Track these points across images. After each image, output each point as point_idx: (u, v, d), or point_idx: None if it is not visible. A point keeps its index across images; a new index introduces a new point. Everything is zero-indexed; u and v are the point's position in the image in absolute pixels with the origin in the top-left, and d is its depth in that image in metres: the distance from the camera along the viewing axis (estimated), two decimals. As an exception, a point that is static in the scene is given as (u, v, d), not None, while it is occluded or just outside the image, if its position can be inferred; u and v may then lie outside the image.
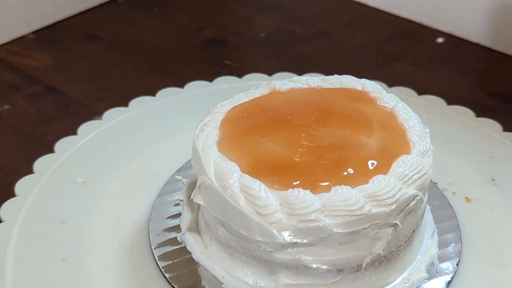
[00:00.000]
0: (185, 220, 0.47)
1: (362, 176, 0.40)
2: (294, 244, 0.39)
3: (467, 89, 0.65)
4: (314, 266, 0.40)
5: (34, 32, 0.78)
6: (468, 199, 0.52)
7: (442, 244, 0.47)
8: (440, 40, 0.77)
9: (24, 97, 0.66)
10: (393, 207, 0.39)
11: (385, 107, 0.46)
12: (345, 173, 0.40)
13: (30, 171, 0.55)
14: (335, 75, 0.50)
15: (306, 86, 0.49)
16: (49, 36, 0.78)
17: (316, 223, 0.38)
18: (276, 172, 0.40)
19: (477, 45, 0.76)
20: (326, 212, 0.38)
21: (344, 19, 0.83)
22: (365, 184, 0.39)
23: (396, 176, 0.40)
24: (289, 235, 0.38)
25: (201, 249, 0.45)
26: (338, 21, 0.82)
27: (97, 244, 0.48)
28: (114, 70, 0.72)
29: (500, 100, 0.62)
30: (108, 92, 0.65)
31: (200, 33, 0.80)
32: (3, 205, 0.51)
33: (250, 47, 0.75)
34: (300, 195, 0.38)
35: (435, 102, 0.63)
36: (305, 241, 0.38)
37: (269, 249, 0.40)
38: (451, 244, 0.47)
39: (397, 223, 0.39)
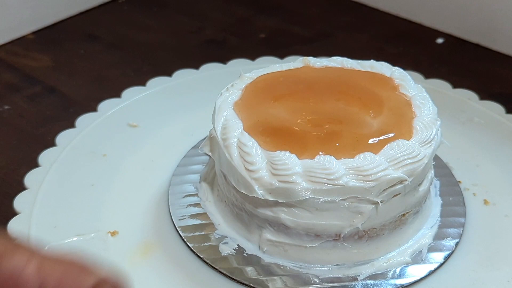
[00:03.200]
0: (204, 172, 0.51)
1: (351, 151, 0.41)
2: (276, 203, 0.41)
3: (467, 90, 0.65)
4: (292, 226, 0.42)
5: (34, 33, 0.78)
6: (486, 202, 0.51)
7: (439, 236, 0.47)
8: (440, 40, 0.77)
9: (24, 97, 0.66)
10: (372, 184, 0.40)
11: (404, 95, 0.47)
12: (337, 145, 0.41)
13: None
14: (372, 60, 0.51)
15: (339, 66, 0.51)
16: (49, 36, 0.78)
17: (293, 185, 0.40)
18: (271, 134, 0.43)
19: (477, 45, 0.76)
20: (305, 177, 0.40)
21: (343, 20, 0.83)
22: (351, 158, 0.41)
23: (386, 157, 0.41)
24: (268, 192, 0.40)
25: (208, 198, 0.48)
26: (337, 22, 0.82)
27: (117, 209, 0.50)
28: (114, 70, 0.72)
29: (500, 100, 0.62)
30: (108, 92, 0.65)
31: (200, 33, 0.80)
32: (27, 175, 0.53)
33: (250, 47, 0.75)
34: (285, 157, 0.40)
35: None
36: (283, 201, 0.40)
37: (254, 204, 0.42)
38: (448, 238, 0.47)
39: (377, 202, 0.40)
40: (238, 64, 0.69)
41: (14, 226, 0.48)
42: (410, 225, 0.45)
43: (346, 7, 0.85)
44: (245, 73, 0.50)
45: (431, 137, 0.43)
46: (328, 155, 0.40)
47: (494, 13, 0.73)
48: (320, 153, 0.41)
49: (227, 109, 0.45)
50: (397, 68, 0.51)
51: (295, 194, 0.40)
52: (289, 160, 0.40)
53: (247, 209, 0.43)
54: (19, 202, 0.50)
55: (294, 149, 0.41)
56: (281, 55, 0.69)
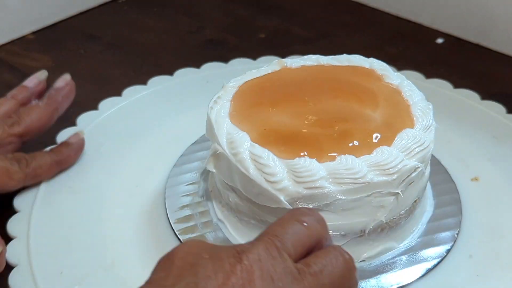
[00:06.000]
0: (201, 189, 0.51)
1: (367, 147, 0.42)
2: None
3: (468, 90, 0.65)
4: None
5: (34, 33, 0.78)
6: (476, 179, 0.53)
7: (440, 216, 0.49)
8: (439, 40, 0.77)
9: (24, 97, 0.66)
10: (395, 176, 0.41)
11: (391, 84, 0.48)
12: (350, 144, 0.42)
13: (30, 171, 0.55)
14: (344, 54, 0.51)
15: (316, 64, 0.51)
16: (49, 36, 0.78)
17: (321, 190, 0.40)
18: (284, 142, 0.42)
19: (477, 45, 0.76)
20: (330, 180, 0.40)
21: (343, 20, 0.83)
22: (369, 154, 0.41)
23: (399, 148, 0.42)
24: (294, 201, 0.40)
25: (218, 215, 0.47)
26: (337, 22, 0.82)
27: (117, 208, 0.50)
28: (114, 70, 0.72)
29: (500, 100, 0.62)
30: (108, 92, 0.65)
31: (200, 33, 0.80)
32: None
33: (250, 47, 0.75)
34: (306, 164, 0.40)
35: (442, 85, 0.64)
36: (310, 206, 0.40)
37: (275, 214, 0.41)
38: (449, 219, 0.48)
39: (398, 192, 0.41)
40: (239, 63, 0.69)
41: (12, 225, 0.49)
42: (418, 210, 0.47)
43: (346, 7, 0.85)
44: (226, 82, 0.49)
45: (430, 122, 0.45)
46: (348, 155, 0.41)
47: (494, 13, 0.73)
48: (336, 153, 0.41)
49: (225, 122, 0.44)
50: (372, 58, 0.51)
51: (323, 198, 0.40)
52: (311, 165, 0.40)
53: (267, 220, 0.43)
54: (19, 201, 0.51)
55: (312, 154, 0.41)
56: (281, 55, 0.69)
